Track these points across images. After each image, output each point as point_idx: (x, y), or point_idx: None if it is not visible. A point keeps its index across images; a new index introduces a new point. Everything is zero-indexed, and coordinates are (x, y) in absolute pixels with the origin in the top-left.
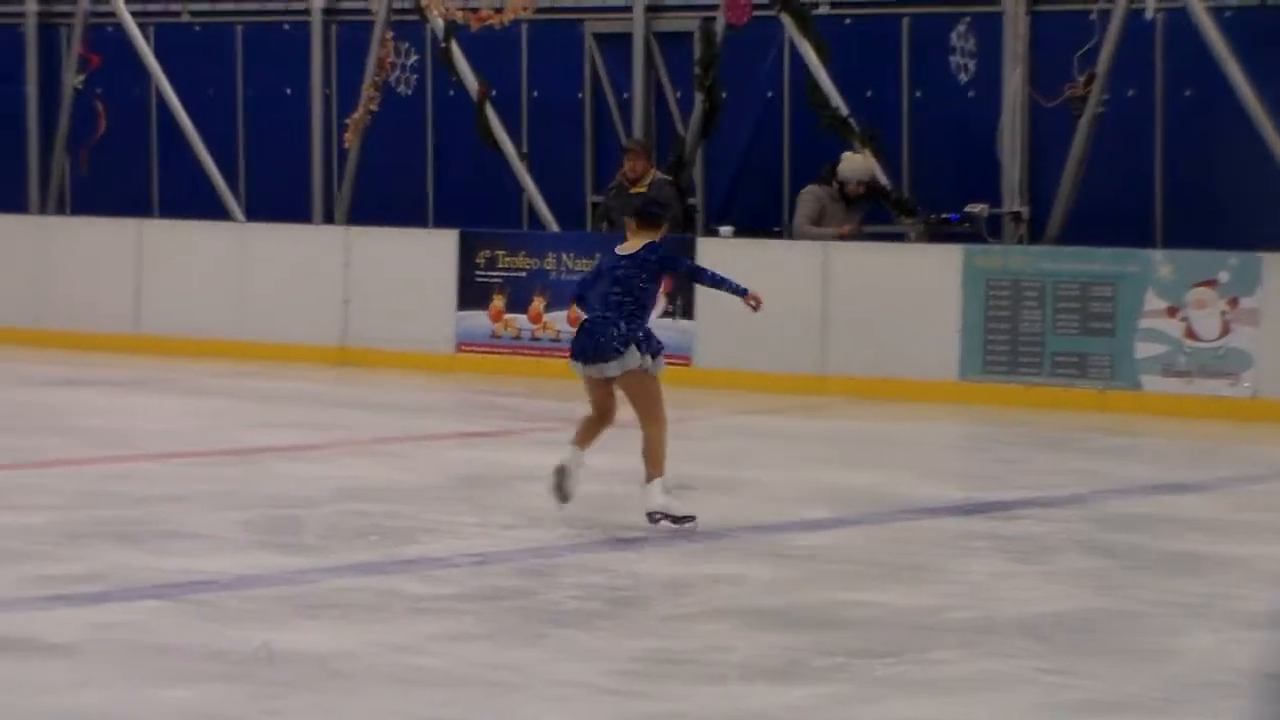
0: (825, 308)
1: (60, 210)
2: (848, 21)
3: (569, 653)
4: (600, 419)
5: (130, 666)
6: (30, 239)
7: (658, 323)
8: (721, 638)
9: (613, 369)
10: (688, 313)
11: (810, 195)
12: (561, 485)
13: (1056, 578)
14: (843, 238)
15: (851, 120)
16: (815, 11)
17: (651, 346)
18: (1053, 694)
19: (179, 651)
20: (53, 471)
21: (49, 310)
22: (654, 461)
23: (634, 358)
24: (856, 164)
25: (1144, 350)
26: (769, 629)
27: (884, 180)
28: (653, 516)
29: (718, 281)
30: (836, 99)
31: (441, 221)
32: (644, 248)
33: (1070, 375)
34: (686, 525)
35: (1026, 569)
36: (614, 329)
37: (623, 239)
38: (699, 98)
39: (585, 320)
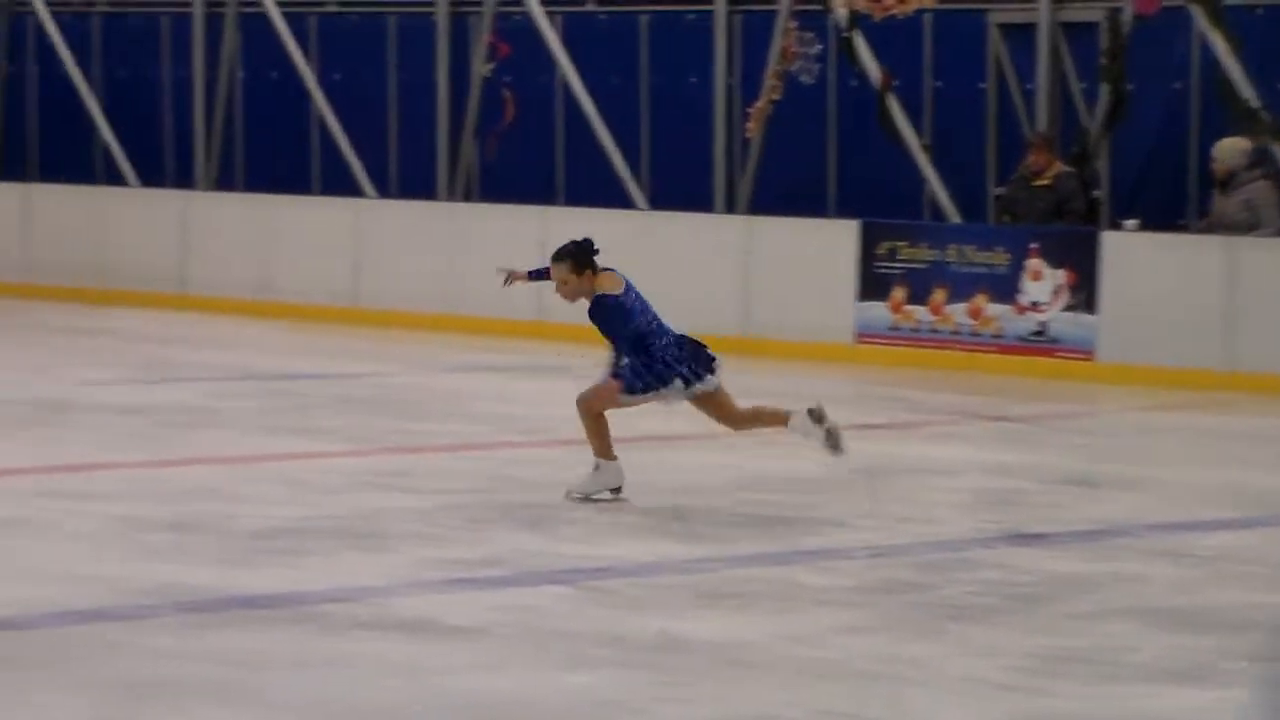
0: (1233, 303)
1: (468, 197)
2: (1259, 11)
3: (966, 648)
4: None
5: (530, 651)
6: (440, 225)
7: (1058, 315)
8: (1123, 638)
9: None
10: (1090, 306)
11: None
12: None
13: None
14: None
15: (1262, 112)
16: (1225, 2)
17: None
18: None
19: (578, 637)
20: (457, 456)
21: (459, 296)
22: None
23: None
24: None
25: None
26: (1173, 630)
27: None
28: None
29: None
30: (1247, 90)
31: (843, 212)
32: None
33: None
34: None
35: None
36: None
37: (1027, 232)
38: (1105, 89)
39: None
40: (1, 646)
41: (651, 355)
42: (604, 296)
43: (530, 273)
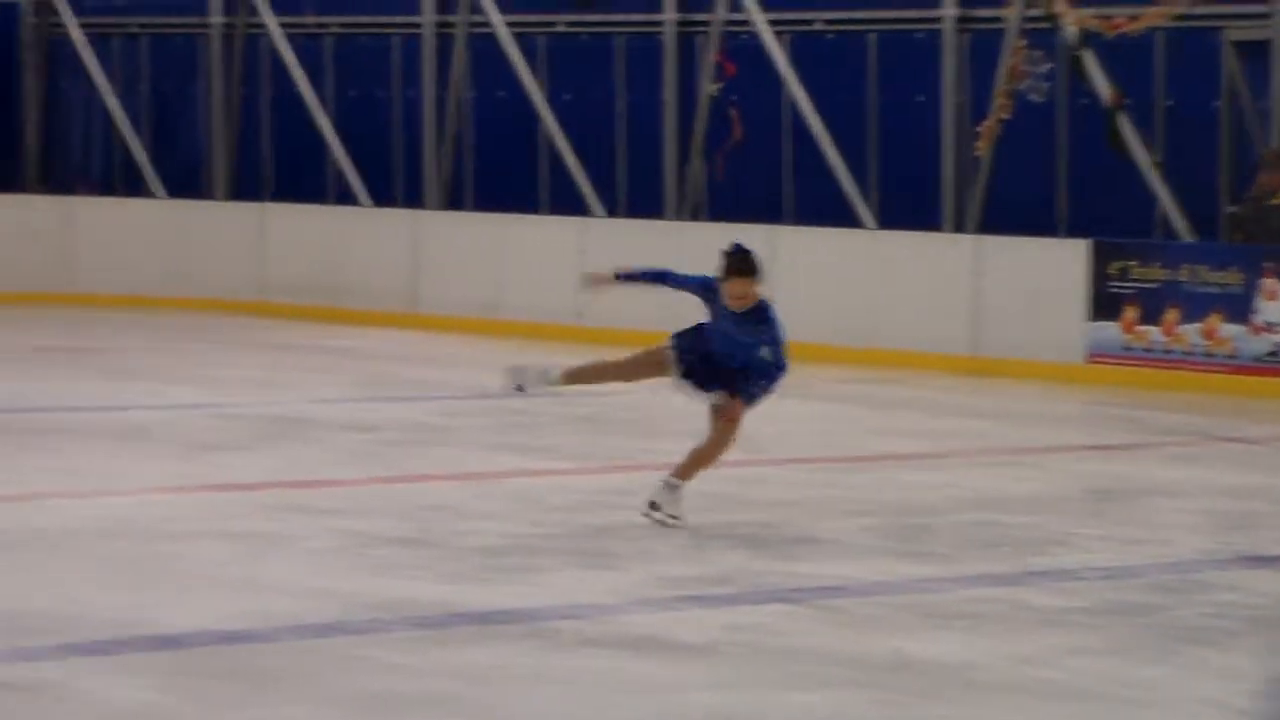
0: None
1: (695, 216)
2: None
3: (1200, 671)
4: None
5: (759, 669)
6: (666, 244)
7: None
8: None
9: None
10: None
11: None
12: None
13: None
14: None
15: None
16: None
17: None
18: None
19: (808, 655)
20: None
21: (686, 314)
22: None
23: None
24: None
25: None
26: None
27: None
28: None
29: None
30: None
31: (1073, 230)
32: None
33: None
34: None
35: None
36: None
37: (1261, 252)
38: None
39: None
40: (241, 659)
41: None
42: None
43: (620, 276)
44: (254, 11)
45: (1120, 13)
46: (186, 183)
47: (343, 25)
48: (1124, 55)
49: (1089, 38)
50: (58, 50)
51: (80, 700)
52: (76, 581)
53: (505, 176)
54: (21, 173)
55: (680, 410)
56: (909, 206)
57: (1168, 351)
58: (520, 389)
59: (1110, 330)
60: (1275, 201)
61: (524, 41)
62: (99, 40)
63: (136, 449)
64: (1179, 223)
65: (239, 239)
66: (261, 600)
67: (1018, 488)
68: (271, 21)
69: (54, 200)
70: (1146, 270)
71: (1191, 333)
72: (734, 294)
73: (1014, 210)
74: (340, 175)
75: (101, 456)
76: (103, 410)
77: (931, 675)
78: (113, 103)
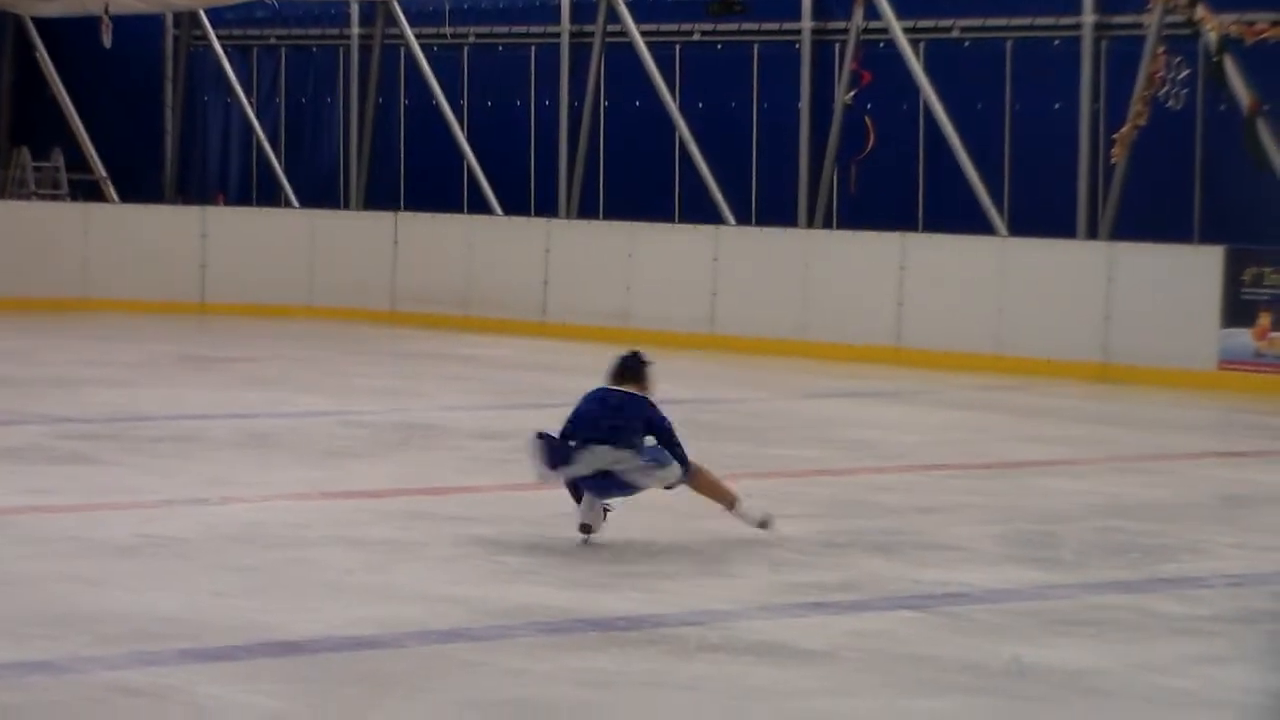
0: None
1: (827, 224)
2: None
3: None
4: None
5: (882, 675)
6: (797, 251)
7: None
8: None
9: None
10: None
11: None
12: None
13: None
14: None
15: None
16: None
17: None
18: None
19: (931, 662)
20: (811, 480)
21: (815, 322)
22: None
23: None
24: None
25: None
26: None
27: None
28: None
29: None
30: None
31: (1208, 238)
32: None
33: None
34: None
35: None
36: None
37: None
38: None
39: None
40: (365, 665)
41: None
42: None
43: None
44: (392, 22)
45: (1262, 18)
46: (321, 193)
47: (480, 36)
48: (1264, 61)
49: (1229, 44)
50: (198, 62)
51: (204, 706)
52: (202, 587)
53: (638, 185)
54: (160, 183)
55: (806, 417)
56: (1042, 214)
57: None
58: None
59: (1242, 337)
60: None
61: (659, 50)
62: (238, 52)
63: (266, 456)
64: None
65: (372, 248)
66: (387, 606)
67: (1147, 494)
68: (409, 33)
69: (190, 210)
70: None
71: None
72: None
73: (1148, 217)
74: (474, 184)
75: (230, 463)
76: (233, 418)
77: (1053, 682)
78: (250, 114)
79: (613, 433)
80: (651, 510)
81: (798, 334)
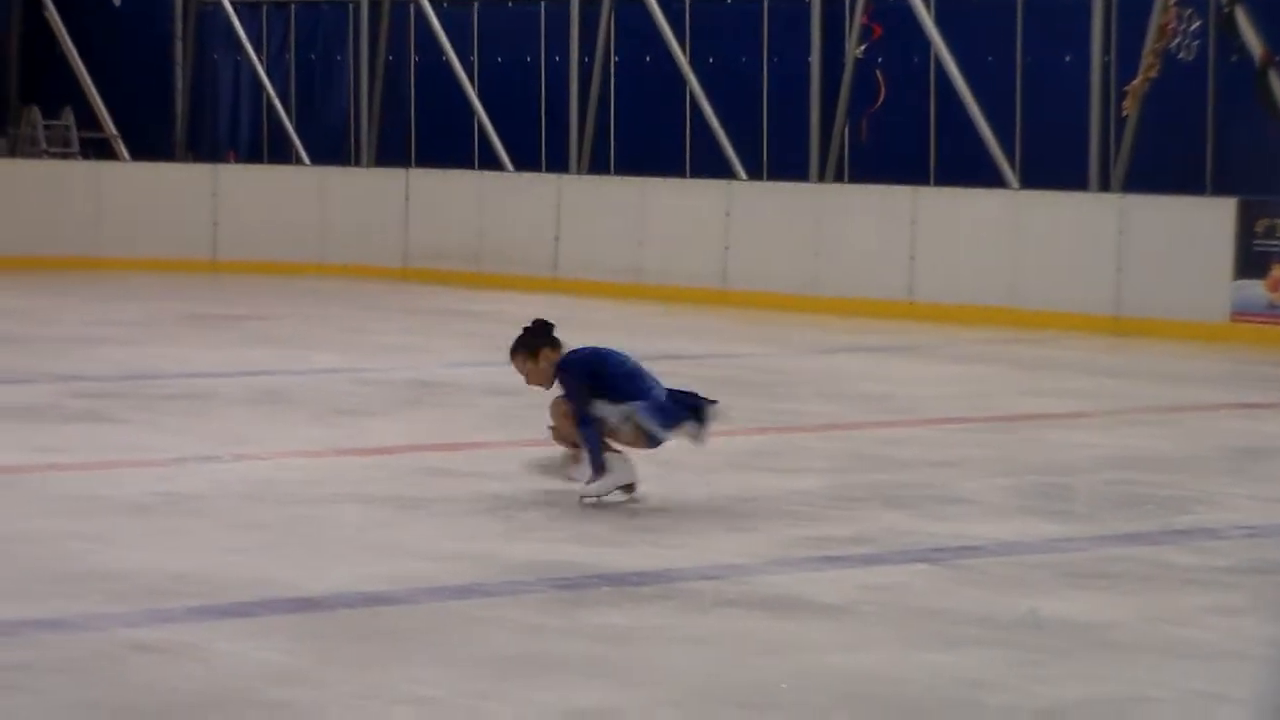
0: None
1: (838, 178)
2: None
3: None
4: None
5: (897, 629)
6: (809, 206)
7: None
8: None
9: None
10: None
11: None
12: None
13: None
14: None
15: None
16: None
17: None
18: None
19: (946, 615)
20: (826, 435)
21: (826, 277)
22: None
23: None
24: None
25: None
26: None
27: None
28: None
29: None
30: None
31: (1219, 189)
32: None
33: None
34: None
35: None
36: None
37: None
38: None
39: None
40: (378, 621)
41: None
42: None
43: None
44: None
45: None
46: (332, 149)
47: None
48: (1275, 12)
49: None
50: (208, 19)
51: (218, 662)
52: (215, 545)
53: (649, 140)
54: (170, 141)
55: (818, 372)
56: (1054, 166)
57: None
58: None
59: (1255, 289)
60: None
61: (670, 5)
62: (248, 9)
63: (277, 413)
64: None
65: (383, 205)
66: (399, 563)
67: (1161, 446)
68: None
69: (201, 167)
70: None
71: None
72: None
73: (1160, 169)
74: (485, 140)
75: (242, 421)
76: (245, 375)
77: (1067, 634)
78: (260, 71)
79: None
80: (664, 465)
81: (810, 288)
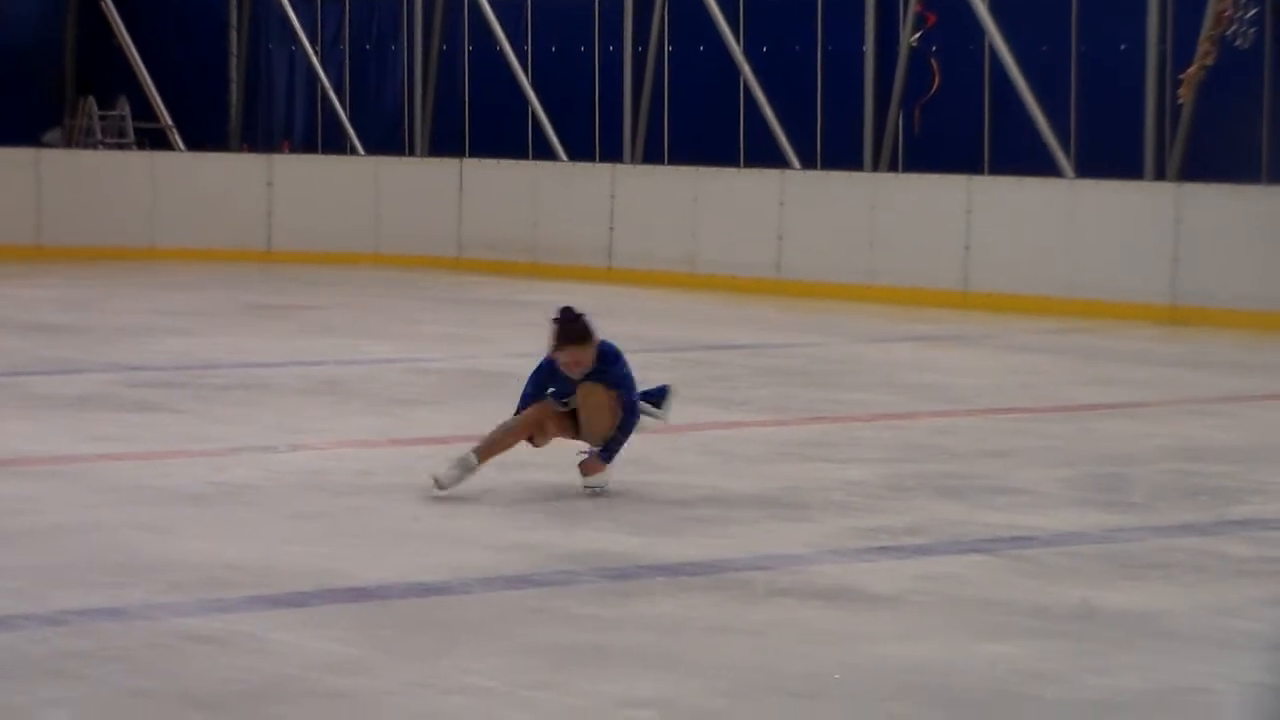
0: None
1: (892, 167)
2: None
3: None
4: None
5: (951, 619)
6: (863, 195)
7: None
8: None
9: None
10: None
11: None
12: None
13: None
14: None
15: None
16: None
17: None
18: None
19: (999, 606)
20: (878, 425)
21: (880, 266)
22: None
23: None
24: None
25: None
26: None
27: None
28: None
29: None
30: None
31: (1276, 177)
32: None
33: None
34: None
35: None
36: None
37: None
38: None
39: None
40: (432, 611)
41: None
42: None
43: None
44: None
45: None
46: (386, 139)
47: None
48: None
49: None
50: (262, 10)
51: (273, 652)
52: (271, 535)
53: (703, 130)
54: (225, 131)
55: (872, 362)
56: (1109, 155)
57: None
58: (441, 486)
59: None
60: None
61: None
62: (302, 0)
63: (333, 403)
64: None
65: (437, 195)
66: (453, 553)
67: (1217, 437)
68: None
69: (256, 158)
70: None
71: None
72: (567, 363)
73: (1216, 157)
74: (539, 130)
75: (298, 411)
76: (300, 365)
77: (1122, 625)
78: (315, 61)
79: None
80: (719, 454)
81: (864, 278)
